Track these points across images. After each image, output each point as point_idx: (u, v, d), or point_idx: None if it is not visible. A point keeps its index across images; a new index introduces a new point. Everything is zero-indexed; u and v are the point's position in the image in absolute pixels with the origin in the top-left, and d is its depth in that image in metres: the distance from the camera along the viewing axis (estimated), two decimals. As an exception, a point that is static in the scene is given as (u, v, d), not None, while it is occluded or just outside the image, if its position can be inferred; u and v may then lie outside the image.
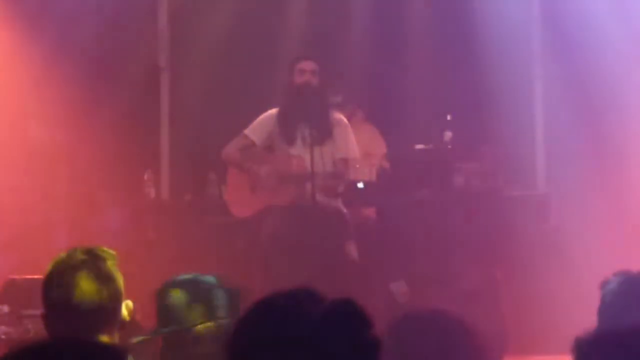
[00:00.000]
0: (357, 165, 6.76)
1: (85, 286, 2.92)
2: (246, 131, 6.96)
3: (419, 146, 7.62)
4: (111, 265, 3.01)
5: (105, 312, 2.95)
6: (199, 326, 3.16)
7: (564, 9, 8.08)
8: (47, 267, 3.00)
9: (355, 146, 6.90)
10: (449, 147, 7.41)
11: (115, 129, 8.10)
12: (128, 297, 3.20)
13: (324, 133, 6.74)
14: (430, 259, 7.17)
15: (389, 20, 8.45)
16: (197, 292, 3.23)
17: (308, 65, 6.87)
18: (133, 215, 7.90)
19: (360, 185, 6.86)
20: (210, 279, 3.31)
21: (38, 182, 8.01)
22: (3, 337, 6.18)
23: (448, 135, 7.41)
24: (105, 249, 3.07)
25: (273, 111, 6.95)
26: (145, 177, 7.97)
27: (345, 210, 6.86)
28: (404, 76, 8.32)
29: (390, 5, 8.47)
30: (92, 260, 2.97)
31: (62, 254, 3.02)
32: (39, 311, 5.68)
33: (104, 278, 2.96)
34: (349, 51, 8.34)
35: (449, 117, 7.44)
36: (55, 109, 8.10)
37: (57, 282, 2.95)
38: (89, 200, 8.03)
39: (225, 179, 7.25)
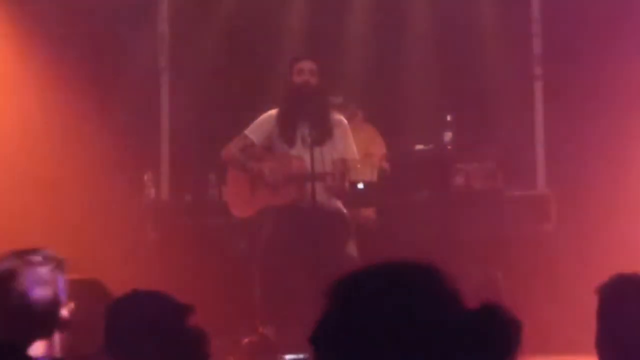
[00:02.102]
0: (358, 166, 6.76)
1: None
2: (246, 131, 6.96)
3: (419, 146, 7.62)
4: (51, 269, 3.07)
5: (40, 315, 3.00)
6: None
7: (564, 9, 8.08)
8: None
9: (355, 147, 6.90)
10: (449, 147, 7.41)
11: (115, 129, 8.10)
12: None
13: (323, 133, 6.74)
14: (430, 259, 7.16)
15: (389, 20, 8.45)
16: None
17: (307, 65, 6.86)
18: (133, 215, 7.89)
19: (360, 185, 6.86)
20: None
21: (38, 183, 8.01)
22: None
23: (448, 135, 7.41)
24: (48, 252, 3.13)
25: (273, 112, 6.95)
26: (145, 177, 7.97)
27: (345, 211, 6.86)
28: (404, 77, 8.32)
29: (391, 6, 8.47)
30: (24, 265, 3.03)
31: None
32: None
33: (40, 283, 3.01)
34: (349, 52, 8.34)
35: (449, 117, 7.44)
36: (56, 110, 8.10)
37: None
38: (90, 200, 8.03)
39: (225, 179, 7.25)
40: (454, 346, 1.58)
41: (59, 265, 3.25)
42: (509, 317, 1.61)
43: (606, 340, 2.92)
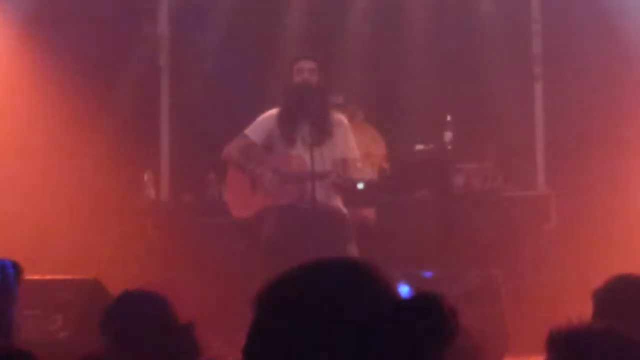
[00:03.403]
0: (358, 165, 6.76)
1: None
2: (246, 131, 6.95)
3: (419, 146, 7.62)
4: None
5: None
6: None
7: (564, 9, 8.08)
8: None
9: (355, 147, 6.90)
10: (449, 147, 7.41)
11: (115, 129, 8.10)
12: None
13: (324, 133, 6.73)
14: (431, 259, 7.17)
15: (389, 20, 8.45)
16: None
17: (306, 64, 6.86)
18: (133, 215, 7.89)
19: (360, 185, 6.86)
20: None
21: (38, 183, 8.01)
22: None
23: (448, 135, 7.41)
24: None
25: (273, 111, 6.95)
26: (145, 177, 7.96)
27: (345, 211, 6.86)
28: (404, 77, 8.32)
29: (391, 6, 8.47)
30: None
31: None
32: (39, 311, 5.71)
33: None
34: (349, 52, 8.34)
35: (449, 117, 7.44)
36: (56, 110, 8.10)
37: None
38: (90, 200, 8.02)
39: (225, 179, 7.25)
40: (385, 338, 1.56)
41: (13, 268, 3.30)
42: (444, 306, 1.59)
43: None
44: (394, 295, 1.63)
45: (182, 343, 3.08)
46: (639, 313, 2.91)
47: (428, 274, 6.79)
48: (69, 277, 6.10)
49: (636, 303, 2.93)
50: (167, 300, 3.18)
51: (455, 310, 1.60)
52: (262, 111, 7.04)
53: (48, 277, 6.00)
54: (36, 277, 5.81)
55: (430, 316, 1.59)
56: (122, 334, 3.08)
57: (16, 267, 3.48)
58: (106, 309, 3.20)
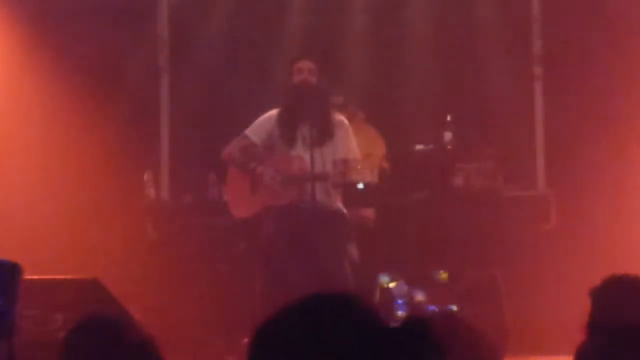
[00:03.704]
0: (358, 166, 6.76)
1: None
2: (247, 131, 6.95)
3: (419, 146, 7.62)
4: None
5: None
6: None
7: (564, 9, 8.08)
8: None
9: (356, 147, 6.89)
10: (449, 147, 7.41)
11: (115, 129, 8.11)
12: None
13: (324, 133, 6.73)
14: (430, 259, 7.17)
15: (389, 20, 8.45)
16: None
17: (306, 64, 6.86)
18: (133, 215, 7.89)
19: (360, 185, 6.86)
20: None
21: (39, 183, 8.01)
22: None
23: (448, 135, 7.41)
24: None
25: (273, 112, 6.94)
26: (145, 177, 7.96)
27: (345, 211, 6.86)
28: (404, 77, 8.32)
29: (391, 6, 8.47)
30: None
31: None
32: (39, 311, 5.70)
33: None
34: (349, 52, 8.34)
35: (449, 118, 7.44)
36: (56, 110, 8.10)
37: None
38: (90, 200, 8.03)
39: (225, 179, 7.25)
40: None
41: (12, 269, 3.31)
42: (431, 330, 1.66)
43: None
44: (382, 324, 1.69)
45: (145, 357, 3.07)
46: (634, 313, 2.91)
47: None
48: (69, 277, 6.10)
49: (631, 303, 2.93)
50: (127, 324, 3.15)
51: (446, 328, 1.68)
52: (262, 111, 7.03)
53: (48, 277, 6.00)
54: (36, 277, 5.80)
55: (418, 342, 1.66)
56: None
57: (16, 268, 3.48)
58: (65, 340, 3.19)
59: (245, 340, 6.68)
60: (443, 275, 7.01)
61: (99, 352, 3.02)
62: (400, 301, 6.92)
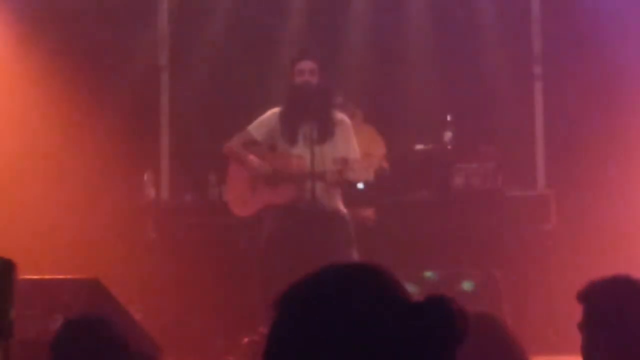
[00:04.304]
0: (358, 166, 6.76)
1: None
2: (249, 128, 6.97)
3: (419, 146, 7.63)
4: None
5: None
6: None
7: (564, 9, 8.08)
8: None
9: (357, 147, 6.90)
10: (449, 147, 7.41)
11: (115, 129, 8.11)
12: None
13: (325, 132, 6.74)
14: (431, 259, 7.17)
15: (389, 20, 8.45)
16: None
17: (307, 65, 6.86)
18: (133, 215, 7.89)
19: (360, 185, 6.86)
20: None
21: (39, 183, 8.01)
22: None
23: (448, 135, 7.41)
24: None
25: (276, 109, 6.95)
26: (145, 177, 7.97)
27: (345, 211, 6.86)
28: (404, 76, 8.32)
29: (390, 6, 8.47)
30: None
31: None
32: (39, 311, 5.70)
33: None
34: (349, 52, 8.34)
35: (449, 117, 7.45)
36: (56, 110, 8.10)
37: None
38: (90, 200, 8.03)
39: (225, 179, 7.25)
40: (398, 340, 1.62)
41: (6, 268, 3.28)
42: (454, 308, 1.65)
43: (593, 345, 2.92)
44: (406, 296, 1.69)
45: None
46: (625, 316, 2.91)
47: (430, 274, 6.79)
48: (69, 277, 6.09)
49: (623, 306, 2.93)
50: (113, 325, 3.15)
51: (465, 312, 1.66)
52: (262, 111, 7.04)
53: (48, 277, 5.99)
54: (36, 277, 5.80)
55: (442, 318, 1.64)
56: None
57: (10, 265, 3.44)
58: (54, 339, 3.18)
59: (246, 340, 6.68)
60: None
61: (87, 352, 3.01)
62: None
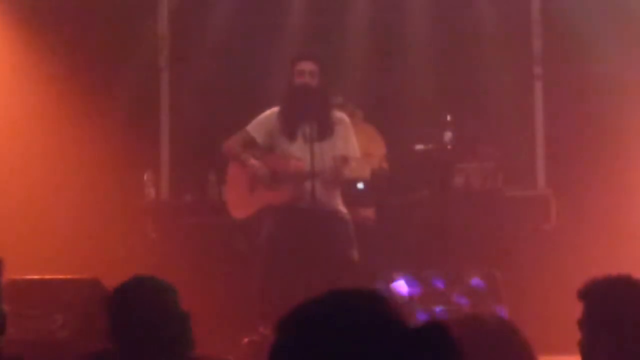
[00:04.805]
0: (357, 165, 6.76)
1: None
2: (248, 127, 6.97)
3: (419, 146, 7.62)
4: None
5: None
6: None
7: (564, 9, 8.08)
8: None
9: (357, 145, 6.90)
10: (449, 147, 7.41)
11: (115, 129, 8.10)
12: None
13: (325, 131, 6.74)
14: (431, 259, 7.17)
15: (389, 20, 8.45)
16: None
17: (307, 65, 6.86)
18: (133, 215, 7.89)
19: (360, 185, 6.86)
20: None
21: (38, 183, 8.01)
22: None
23: (448, 135, 7.41)
24: None
25: (275, 109, 6.96)
26: (145, 177, 7.97)
27: (345, 211, 6.86)
28: (404, 76, 8.32)
29: (390, 5, 8.47)
30: None
31: None
32: (39, 311, 5.70)
33: None
34: (349, 51, 8.34)
35: (449, 117, 7.44)
36: (56, 110, 8.10)
37: None
38: (90, 200, 8.03)
39: (225, 179, 7.25)
40: None
41: None
42: (449, 334, 1.68)
43: (590, 345, 2.92)
44: (405, 323, 1.72)
45: (182, 332, 3.14)
46: (625, 316, 2.91)
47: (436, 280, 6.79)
48: (69, 277, 6.10)
49: (623, 306, 2.94)
50: (173, 288, 3.22)
51: (459, 340, 1.69)
52: (262, 111, 7.04)
53: (48, 277, 6.00)
54: (36, 277, 5.81)
55: (438, 346, 1.68)
56: (125, 315, 3.12)
57: None
58: (114, 290, 3.22)
59: (246, 340, 6.68)
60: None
61: (141, 306, 3.07)
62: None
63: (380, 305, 1.71)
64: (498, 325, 2.66)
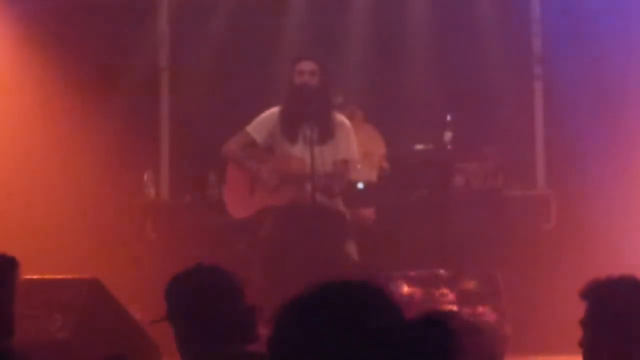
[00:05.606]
0: (358, 166, 6.76)
1: None
2: (247, 128, 6.96)
3: (419, 146, 7.63)
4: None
5: None
6: None
7: (564, 9, 8.08)
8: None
9: (357, 148, 6.90)
10: (449, 147, 7.41)
11: (115, 129, 8.10)
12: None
13: (325, 133, 6.74)
14: (431, 259, 7.17)
15: (389, 20, 8.45)
16: None
17: (307, 65, 6.85)
18: (133, 215, 7.89)
19: (360, 185, 6.86)
20: None
21: (39, 183, 8.01)
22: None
23: (448, 135, 7.41)
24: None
25: (275, 109, 6.95)
26: (145, 177, 7.97)
27: (345, 211, 6.86)
28: (404, 76, 8.32)
29: (391, 5, 8.47)
30: None
31: None
32: (39, 311, 5.70)
33: None
34: (349, 51, 8.34)
35: (449, 117, 7.45)
36: (56, 110, 8.10)
37: None
38: (90, 200, 8.03)
39: (225, 179, 7.25)
40: (397, 358, 1.64)
41: (9, 264, 3.28)
42: (449, 326, 1.67)
43: (592, 344, 2.93)
44: (401, 315, 1.72)
45: (245, 324, 3.14)
46: (628, 317, 2.91)
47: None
48: (69, 277, 6.09)
49: (627, 306, 2.94)
50: (239, 281, 3.22)
51: (458, 331, 1.69)
52: (262, 111, 7.04)
53: (48, 277, 5.99)
54: (36, 277, 5.80)
55: (436, 337, 1.68)
56: (189, 301, 3.12)
57: (12, 262, 3.43)
58: (177, 275, 3.21)
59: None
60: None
61: (206, 293, 3.07)
62: None
63: (375, 296, 1.70)
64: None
